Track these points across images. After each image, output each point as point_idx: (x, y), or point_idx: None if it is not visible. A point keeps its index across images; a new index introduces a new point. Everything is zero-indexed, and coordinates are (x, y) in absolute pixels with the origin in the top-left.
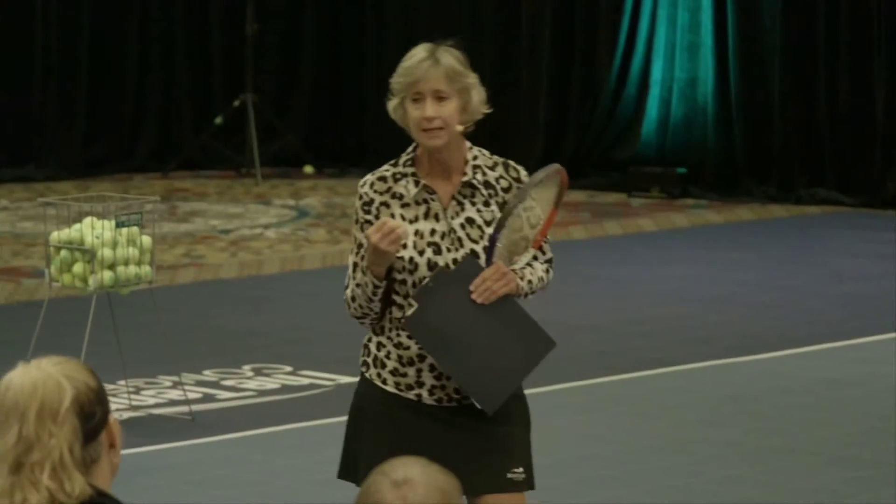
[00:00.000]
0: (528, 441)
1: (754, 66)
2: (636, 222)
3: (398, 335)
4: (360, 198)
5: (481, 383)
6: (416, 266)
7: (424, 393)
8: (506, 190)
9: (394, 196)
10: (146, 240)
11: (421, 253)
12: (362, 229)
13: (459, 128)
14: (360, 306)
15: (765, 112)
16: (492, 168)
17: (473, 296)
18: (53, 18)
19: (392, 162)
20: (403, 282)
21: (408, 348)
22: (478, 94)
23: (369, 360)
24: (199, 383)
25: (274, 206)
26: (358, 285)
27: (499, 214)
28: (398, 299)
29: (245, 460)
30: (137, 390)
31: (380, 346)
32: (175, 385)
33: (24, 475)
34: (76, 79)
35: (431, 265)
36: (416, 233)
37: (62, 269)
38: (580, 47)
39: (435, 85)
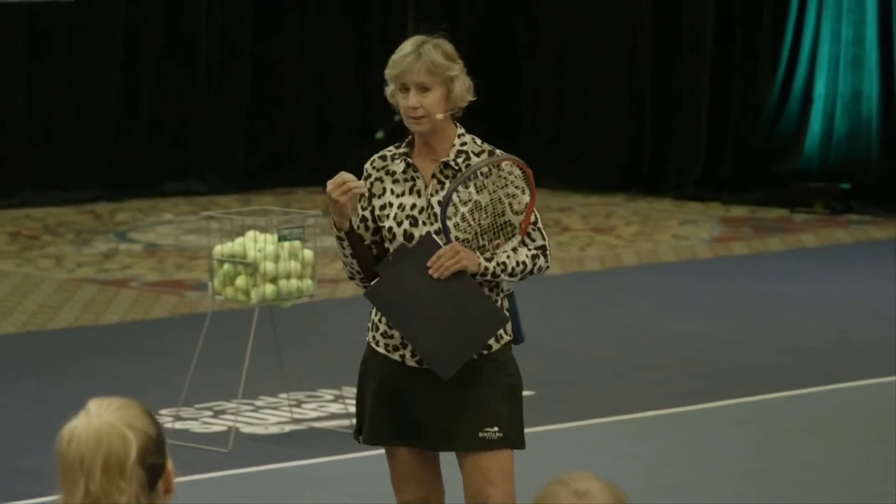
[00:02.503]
0: (506, 402)
1: None
2: (798, 238)
3: None
4: (363, 172)
5: (437, 351)
6: (395, 235)
7: (407, 354)
8: (486, 175)
9: (388, 173)
10: (308, 253)
11: (399, 224)
12: (360, 201)
13: (440, 116)
14: (345, 265)
15: None
16: (477, 154)
17: (430, 271)
18: (215, 34)
19: (396, 144)
20: (387, 250)
21: None
22: (461, 84)
23: (369, 324)
24: None
25: None
26: (340, 245)
27: (479, 197)
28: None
29: None
30: (299, 403)
31: (376, 311)
32: (336, 398)
33: None
34: (238, 93)
35: (407, 236)
36: (399, 206)
37: (225, 282)
38: (741, 62)
39: (417, 78)
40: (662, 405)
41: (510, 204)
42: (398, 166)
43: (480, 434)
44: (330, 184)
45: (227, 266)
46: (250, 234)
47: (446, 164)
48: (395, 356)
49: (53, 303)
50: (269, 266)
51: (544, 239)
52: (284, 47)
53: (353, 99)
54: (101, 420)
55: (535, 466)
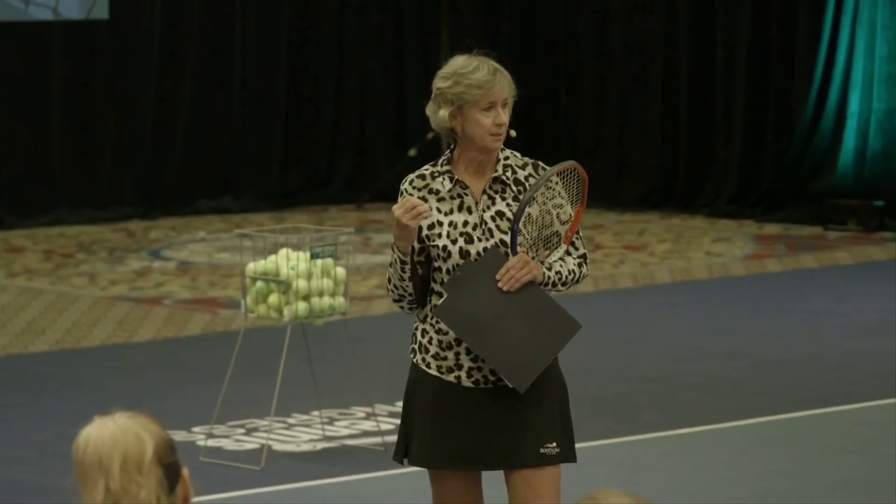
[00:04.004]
0: (561, 417)
1: None
2: (832, 255)
3: (437, 322)
4: (401, 194)
5: (512, 364)
6: (450, 254)
7: (463, 375)
8: (548, 187)
9: (430, 191)
10: (340, 271)
11: (454, 242)
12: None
13: (513, 132)
14: (396, 287)
15: None
16: (522, 167)
17: (499, 284)
18: (251, 52)
19: (431, 163)
20: (439, 269)
21: (446, 333)
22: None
23: (416, 346)
24: (392, 414)
25: None
26: (391, 265)
27: (530, 209)
28: (436, 287)
29: None
30: (331, 421)
31: (423, 332)
32: (368, 416)
33: None
34: (273, 111)
35: (463, 253)
36: (451, 224)
37: (258, 299)
38: (776, 80)
39: (505, 94)
40: (697, 423)
41: (558, 214)
42: (442, 184)
43: (541, 450)
44: (398, 208)
45: (259, 284)
46: (283, 251)
47: (496, 179)
48: (450, 377)
49: (87, 320)
50: (301, 284)
51: (584, 247)
52: (318, 66)
53: (387, 117)
54: (115, 423)
55: (569, 483)
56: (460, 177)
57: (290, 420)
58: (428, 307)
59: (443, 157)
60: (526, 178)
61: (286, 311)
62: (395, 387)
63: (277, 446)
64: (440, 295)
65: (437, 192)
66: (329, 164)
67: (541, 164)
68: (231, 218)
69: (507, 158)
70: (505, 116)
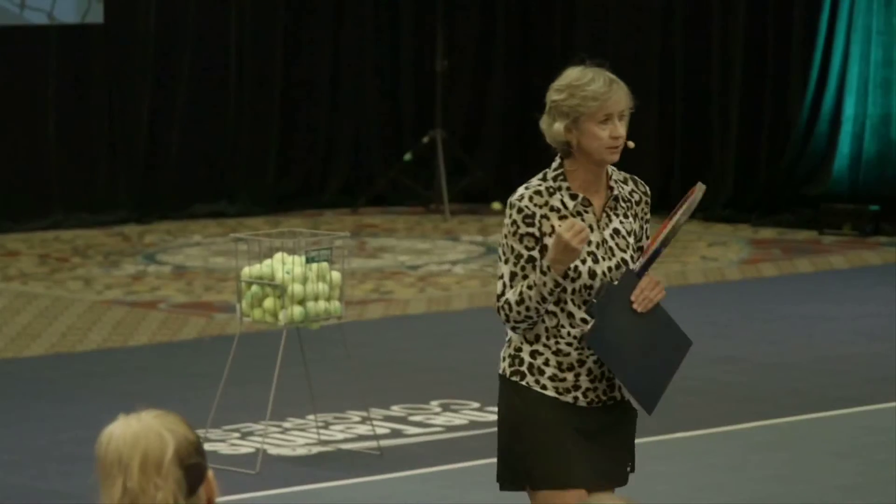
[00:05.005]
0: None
1: None
2: (827, 260)
3: (556, 343)
4: (520, 211)
5: (643, 387)
6: (579, 274)
7: (580, 396)
8: (638, 203)
9: (551, 209)
10: (336, 275)
11: (583, 262)
12: (522, 240)
13: (631, 143)
14: (528, 308)
15: None
16: (624, 182)
17: (634, 305)
18: (246, 56)
19: (540, 177)
20: (563, 289)
21: (567, 355)
22: None
23: (523, 368)
24: (388, 419)
25: (462, 243)
26: (530, 287)
27: (635, 226)
28: (551, 308)
29: (433, 496)
30: (326, 425)
31: (534, 354)
32: (363, 420)
33: None
34: (268, 115)
35: (591, 273)
36: None
37: (253, 304)
38: (771, 85)
39: (622, 105)
40: (693, 427)
41: (646, 231)
42: (563, 201)
43: (626, 469)
44: (567, 231)
45: (254, 288)
46: (278, 255)
47: (615, 197)
48: (568, 398)
49: (82, 325)
50: (296, 288)
51: None
52: (314, 69)
53: (382, 121)
54: (139, 422)
55: None
56: (577, 192)
57: (286, 424)
58: (540, 328)
59: (553, 171)
60: (630, 192)
61: (281, 316)
62: (390, 390)
63: (272, 450)
64: (554, 315)
65: (558, 209)
66: (324, 168)
67: (637, 178)
68: (226, 222)
69: (612, 173)
70: (622, 129)
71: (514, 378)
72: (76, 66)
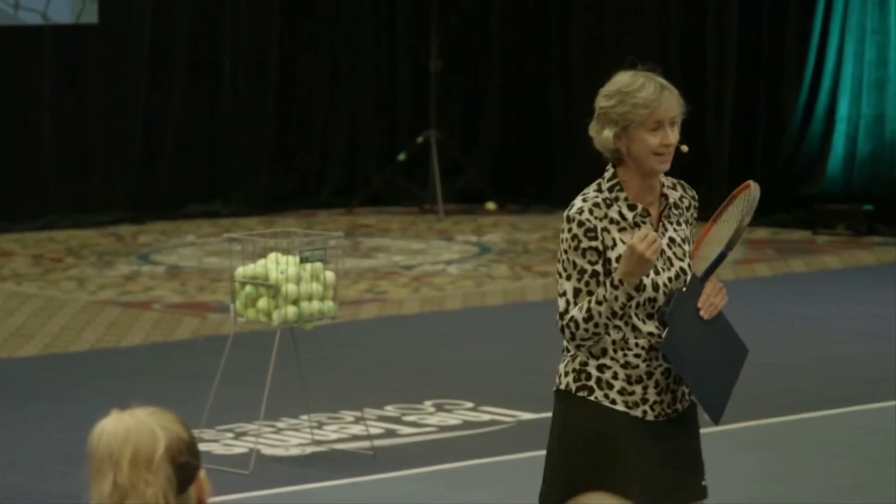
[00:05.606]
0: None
1: None
2: (821, 259)
3: (624, 355)
4: (581, 224)
5: (711, 395)
6: (644, 287)
7: (648, 409)
8: (688, 208)
9: (611, 221)
10: (329, 275)
11: (647, 274)
12: (584, 255)
13: (685, 147)
14: (596, 325)
15: None
16: (673, 188)
17: (701, 312)
18: (241, 56)
19: (595, 188)
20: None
21: (636, 367)
22: None
23: (590, 383)
24: (381, 419)
25: (456, 243)
26: (600, 302)
27: (688, 233)
28: (618, 322)
29: (426, 496)
30: (320, 425)
31: (602, 368)
32: (357, 420)
33: None
34: (263, 116)
35: (654, 285)
36: None
37: (247, 304)
38: (765, 84)
39: (673, 112)
40: None
41: (694, 235)
42: (619, 212)
43: (703, 483)
44: (641, 242)
45: (249, 288)
46: (272, 255)
47: (671, 205)
48: (637, 412)
49: (76, 325)
50: (291, 288)
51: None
52: (309, 69)
53: (377, 121)
54: (132, 418)
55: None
56: (635, 202)
57: (279, 424)
58: (606, 342)
59: (608, 182)
60: (680, 198)
61: (275, 316)
62: (383, 391)
63: (266, 450)
64: (618, 329)
65: (617, 221)
66: (319, 169)
67: (684, 182)
68: (221, 222)
69: (663, 180)
70: (673, 136)
71: (581, 393)
72: (71, 66)
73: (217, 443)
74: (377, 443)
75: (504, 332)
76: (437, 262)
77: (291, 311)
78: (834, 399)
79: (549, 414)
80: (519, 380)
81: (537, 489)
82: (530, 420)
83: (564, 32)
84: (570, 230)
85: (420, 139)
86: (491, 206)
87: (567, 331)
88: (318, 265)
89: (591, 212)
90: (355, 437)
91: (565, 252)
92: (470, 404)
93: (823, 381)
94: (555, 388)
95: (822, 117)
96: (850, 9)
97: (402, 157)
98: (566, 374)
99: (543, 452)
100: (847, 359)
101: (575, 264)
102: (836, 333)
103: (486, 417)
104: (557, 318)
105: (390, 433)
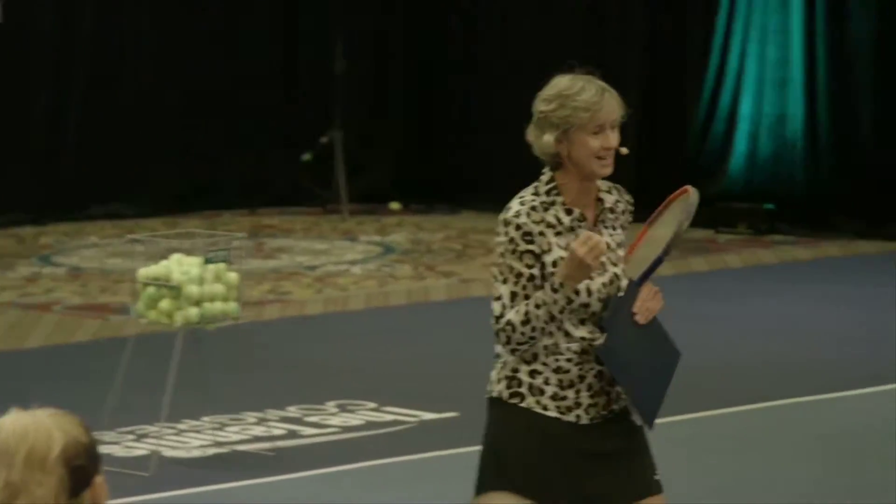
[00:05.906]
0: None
1: (844, 102)
2: (722, 258)
3: (556, 360)
4: (518, 228)
5: (645, 400)
6: (578, 292)
7: (582, 413)
8: (623, 213)
9: (548, 225)
10: (233, 276)
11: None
12: (521, 259)
13: (625, 150)
14: (534, 329)
15: (854, 148)
16: (608, 192)
17: (637, 317)
18: (144, 56)
19: (531, 191)
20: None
21: (567, 371)
22: None
23: (522, 390)
24: (284, 419)
25: (360, 243)
26: (538, 306)
27: (622, 238)
28: (553, 325)
29: (328, 497)
30: (222, 426)
31: (533, 373)
32: (259, 421)
33: None
34: (165, 116)
35: (588, 290)
36: None
37: (149, 305)
38: (668, 83)
39: (614, 115)
40: None
41: (628, 240)
42: (556, 216)
43: (655, 477)
44: (581, 247)
45: (151, 289)
46: (175, 256)
47: (607, 209)
48: (570, 417)
49: None
50: (193, 289)
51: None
52: (212, 71)
53: (280, 122)
54: (32, 417)
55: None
56: (571, 206)
57: (181, 426)
58: (538, 347)
59: (545, 185)
60: (615, 202)
61: (178, 317)
62: (285, 392)
63: (168, 452)
64: (551, 334)
65: (553, 224)
66: (222, 169)
67: (620, 187)
68: (123, 223)
69: (598, 184)
70: (614, 139)
71: (513, 400)
72: None
73: (118, 445)
74: (279, 444)
75: (407, 333)
76: (341, 263)
77: (194, 312)
78: (732, 396)
79: (452, 414)
80: (422, 380)
81: (439, 489)
82: (433, 420)
83: (470, 31)
84: (507, 233)
85: (324, 139)
86: (395, 206)
87: (503, 334)
88: (222, 266)
89: (528, 215)
90: (257, 439)
91: (502, 255)
92: (373, 405)
93: (723, 380)
94: (486, 395)
95: (725, 116)
96: (752, 8)
97: (306, 157)
98: (498, 381)
99: (446, 452)
100: (746, 357)
101: (512, 268)
102: (735, 332)
103: (389, 418)
104: (493, 321)
105: (292, 434)
